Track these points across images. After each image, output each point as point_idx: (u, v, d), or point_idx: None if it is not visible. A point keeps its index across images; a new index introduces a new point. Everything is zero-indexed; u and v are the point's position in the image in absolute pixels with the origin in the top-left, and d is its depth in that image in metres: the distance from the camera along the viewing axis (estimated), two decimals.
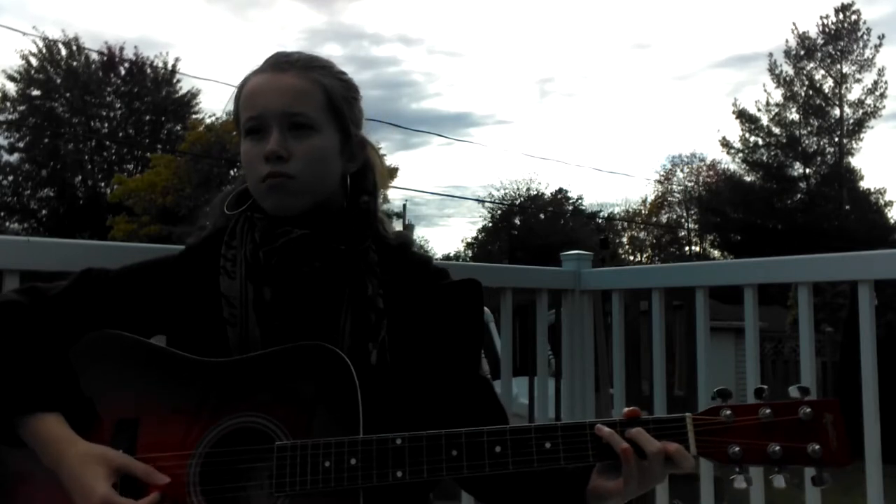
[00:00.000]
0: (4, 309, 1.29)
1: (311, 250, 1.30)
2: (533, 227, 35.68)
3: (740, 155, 34.21)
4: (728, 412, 1.19)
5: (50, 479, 1.20)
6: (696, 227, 38.72)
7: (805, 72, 33.27)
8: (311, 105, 1.33)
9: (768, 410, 1.18)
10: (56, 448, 1.20)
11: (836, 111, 33.06)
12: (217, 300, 1.31)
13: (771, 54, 33.90)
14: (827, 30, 32.86)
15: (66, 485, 1.18)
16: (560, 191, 37.95)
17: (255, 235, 1.33)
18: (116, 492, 1.15)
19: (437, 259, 1.53)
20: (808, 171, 33.66)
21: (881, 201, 33.51)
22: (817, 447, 1.15)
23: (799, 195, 33.69)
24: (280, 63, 1.35)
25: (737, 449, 1.17)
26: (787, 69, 33.35)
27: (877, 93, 32.55)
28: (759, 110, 33.75)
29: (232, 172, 21.17)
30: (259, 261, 1.32)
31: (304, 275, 1.30)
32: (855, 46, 32.73)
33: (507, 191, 38.11)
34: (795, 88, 33.45)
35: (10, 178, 30.58)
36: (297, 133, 1.31)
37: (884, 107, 32.66)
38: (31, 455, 1.22)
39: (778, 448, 1.16)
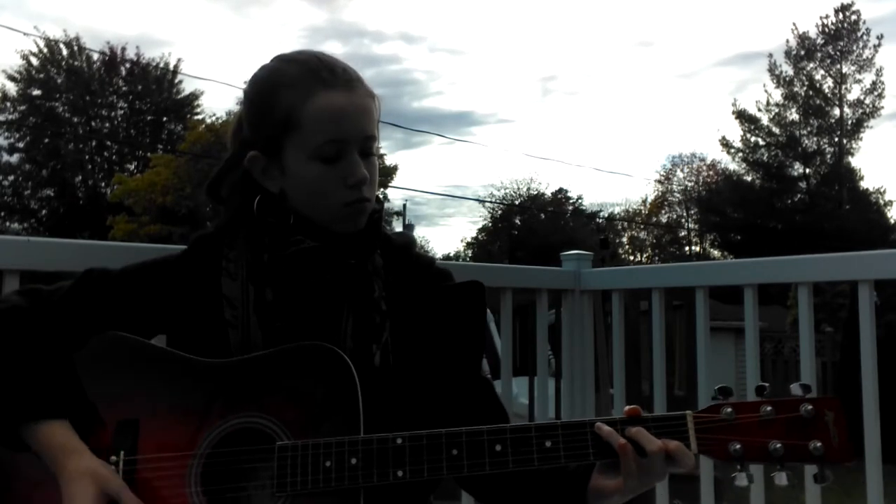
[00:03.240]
0: (7, 314, 1.28)
1: (321, 263, 1.30)
2: (533, 227, 35.70)
3: (740, 155, 34.26)
4: (729, 409, 1.19)
5: (52, 486, 1.19)
6: (696, 227, 38.76)
7: (805, 72, 33.30)
8: (376, 126, 1.33)
9: (769, 408, 1.18)
10: (58, 456, 1.19)
11: (836, 111, 33.11)
12: (219, 301, 1.31)
13: (771, 54, 34.00)
14: (827, 30, 32.91)
15: (62, 495, 1.17)
16: (560, 191, 38.07)
17: (265, 240, 1.32)
18: None
19: (437, 259, 1.53)
20: (808, 171, 33.70)
21: (881, 201, 33.59)
22: (819, 444, 1.15)
23: (799, 195, 33.72)
24: (349, 79, 1.30)
25: (738, 446, 1.17)
26: (787, 69, 33.42)
27: (876, 93, 32.62)
28: (759, 110, 33.83)
29: None
30: (263, 263, 1.31)
31: (310, 283, 1.31)
32: (855, 46, 32.78)
33: (507, 190, 38.21)
34: (795, 88, 33.48)
35: (11, 178, 30.60)
36: (366, 154, 1.31)
37: (883, 107, 32.76)
38: (36, 459, 1.21)
39: (779, 445, 1.16)
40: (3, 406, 1.21)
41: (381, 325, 1.31)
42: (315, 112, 1.27)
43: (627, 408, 1.23)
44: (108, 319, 1.30)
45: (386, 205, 1.43)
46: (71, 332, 1.28)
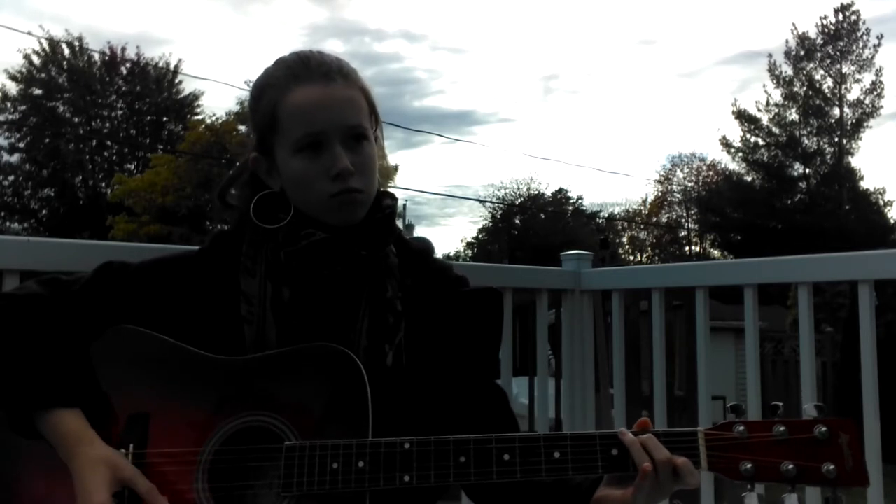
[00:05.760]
0: (27, 302, 1.29)
1: (333, 254, 1.30)
2: (533, 227, 35.71)
3: (740, 155, 34.28)
4: (741, 428, 1.17)
5: (64, 474, 1.20)
6: (696, 227, 38.76)
7: (805, 72, 33.31)
8: (363, 114, 1.33)
9: (783, 428, 1.16)
10: (72, 444, 1.20)
11: (836, 111, 33.11)
12: (236, 297, 1.31)
13: (770, 54, 34.03)
14: (827, 30, 32.91)
15: (74, 483, 1.18)
16: (560, 191, 38.03)
17: (279, 236, 1.33)
18: (116, 501, 1.15)
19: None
20: (808, 171, 33.71)
21: (881, 201, 33.63)
22: (832, 467, 1.14)
23: (799, 195, 33.74)
24: (325, 72, 1.31)
25: (749, 466, 1.16)
26: (787, 69, 33.43)
27: (876, 93, 32.63)
28: (759, 110, 33.84)
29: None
30: (280, 260, 1.32)
31: (324, 277, 1.31)
32: (854, 46, 32.79)
33: (507, 190, 38.19)
34: (795, 88, 33.48)
35: (11, 178, 30.60)
36: (352, 144, 1.30)
37: (883, 107, 32.79)
38: (48, 448, 1.22)
39: (791, 466, 1.14)
40: (18, 392, 1.22)
41: (394, 326, 1.32)
42: (290, 107, 1.30)
43: (638, 420, 1.23)
44: (126, 312, 1.31)
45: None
46: (88, 322, 1.29)
